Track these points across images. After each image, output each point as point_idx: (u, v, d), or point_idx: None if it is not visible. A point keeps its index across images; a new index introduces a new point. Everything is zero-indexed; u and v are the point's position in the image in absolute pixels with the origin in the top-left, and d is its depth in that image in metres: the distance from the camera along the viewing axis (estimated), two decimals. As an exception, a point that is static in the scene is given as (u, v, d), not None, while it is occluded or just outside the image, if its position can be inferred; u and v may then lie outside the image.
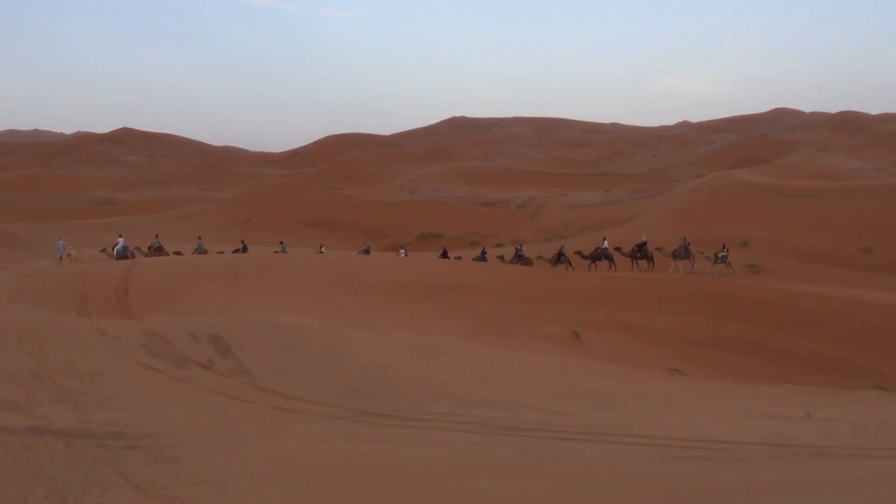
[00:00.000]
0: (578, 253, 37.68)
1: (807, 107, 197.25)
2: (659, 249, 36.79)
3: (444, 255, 43.53)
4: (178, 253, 40.95)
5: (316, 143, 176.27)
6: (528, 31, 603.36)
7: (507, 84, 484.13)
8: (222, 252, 42.36)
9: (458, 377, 15.75)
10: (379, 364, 16.69)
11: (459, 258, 42.63)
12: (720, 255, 35.97)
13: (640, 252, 36.11)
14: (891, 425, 13.11)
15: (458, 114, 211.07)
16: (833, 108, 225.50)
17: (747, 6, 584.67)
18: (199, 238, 44.61)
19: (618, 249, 36.87)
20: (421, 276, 31.48)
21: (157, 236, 43.66)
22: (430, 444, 9.68)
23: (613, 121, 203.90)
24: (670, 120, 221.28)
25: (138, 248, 40.97)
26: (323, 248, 48.36)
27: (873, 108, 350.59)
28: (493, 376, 16.18)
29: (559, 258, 37.41)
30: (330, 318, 22.92)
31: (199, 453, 8.64)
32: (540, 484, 7.59)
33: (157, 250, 40.03)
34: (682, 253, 36.01)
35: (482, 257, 41.12)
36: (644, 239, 37.01)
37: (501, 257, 41.54)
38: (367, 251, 46.46)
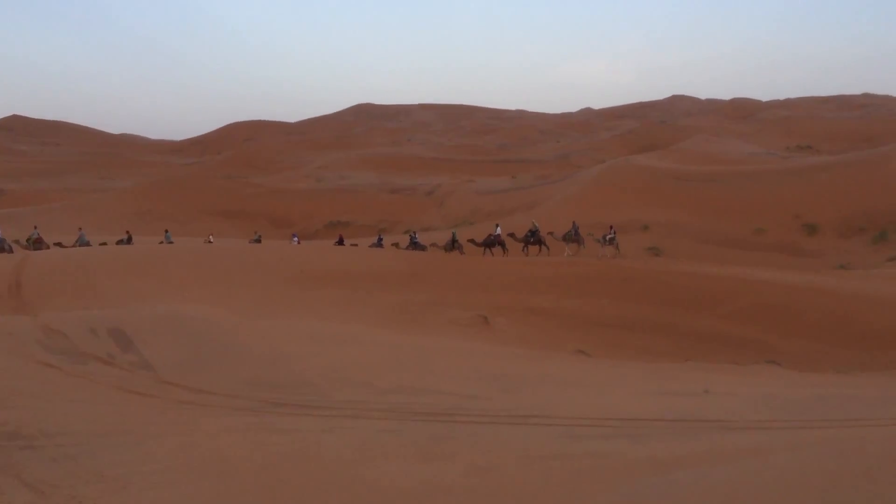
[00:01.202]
0: (471, 241, 38.24)
1: (702, 94, 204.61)
2: (551, 234, 37.76)
3: (340, 242, 43.49)
4: (58, 244, 39.39)
5: (219, 130, 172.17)
6: (434, 19, 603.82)
7: (413, 71, 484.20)
8: (104, 243, 40.95)
9: (368, 364, 15.69)
10: (286, 353, 16.46)
11: (356, 245, 42.65)
12: (608, 237, 37.53)
13: (533, 238, 36.98)
14: (782, 398, 13.74)
15: (364, 101, 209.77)
16: (726, 94, 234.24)
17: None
18: (80, 229, 42.97)
19: (511, 235, 37.61)
20: (328, 264, 31.23)
21: (35, 227, 41.74)
22: (340, 433, 9.63)
23: (519, 108, 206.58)
24: (573, 107, 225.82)
25: (17, 241, 39.10)
26: (211, 238, 47.31)
27: (763, 94, 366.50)
28: (402, 362, 16.18)
29: (452, 245, 37.89)
30: (235, 309, 22.46)
31: (99, 451, 8.35)
32: (448, 468, 7.65)
33: (37, 242, 38.29)
34: (573, 236, 37.33)
35: (378, 244, 41.32)
36: (535, 225, 37.90)
37: (396, 244, 41.84)
38: (258, 240, 45.77)
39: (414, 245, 39.47)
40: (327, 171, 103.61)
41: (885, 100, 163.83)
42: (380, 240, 42.43)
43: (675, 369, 18.96)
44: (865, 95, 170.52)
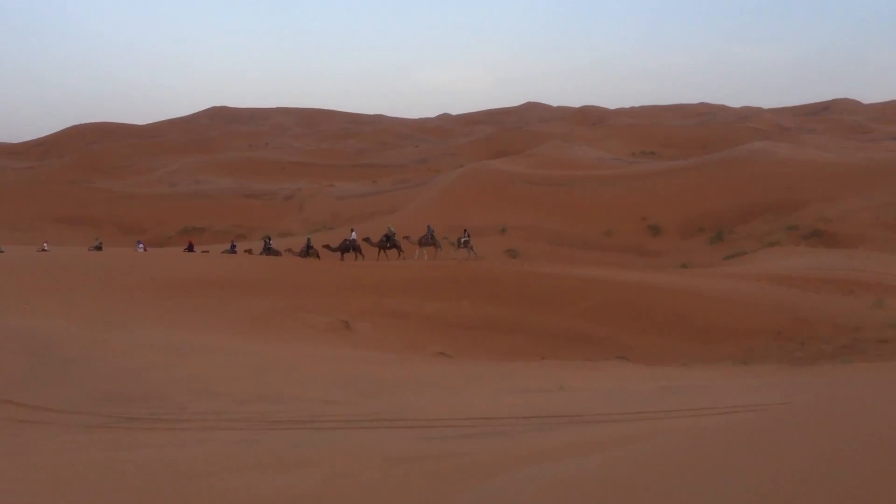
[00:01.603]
0: (326, 246, 37.86)
1: (554, 101, 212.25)
2: (407, 238, 38.00)
3: (190, 248, 42.13)
4: None
5: (62, 132, 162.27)
6: (291, 21, 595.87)
7: (270, 74, 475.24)
8: None
9: (226, 374, 15.24)
10: (139, 365, 15.73)
11: (206, 252, 41.41)
12: (462, 240, 38.33)
13: (389, 242, 37.08)
14: (630, 391, 14.40)
15: (219, 103, 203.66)
16: (577, 102, 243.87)
17: (501, 6, 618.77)
18: None
19: (366, 240, 37.52)
20: (179, 272, 30.12)
21: None
22: (194, 446, 9.29)
23: (378, 112, 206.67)
24: (432, 112, 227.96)
25: None
26: (46, 246, 44.55)
27: (610, 103, 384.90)
28: (262, 371, 15.83)
29: (308, 251, 37.55)
30: (84, 320, 21.27)
31: (-78, 479, 7.68)
32: (305, 475, 7.54)
33: None
34: (428, 240, 37.73)
35: (231, 250, 40.22)
36: (391, 230, 38.02)
37: (250, 250, 40.86)
38: (98, 247, 43.49)
39: (268, 251, 38.67)
40: (181, 176, 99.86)
41: (720, 108, 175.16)
42: (233, 246, 41.30)
43: (531, 367, 19.51)
44: (702, 104, 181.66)
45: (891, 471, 3.35)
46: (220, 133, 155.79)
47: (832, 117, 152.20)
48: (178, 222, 76.16)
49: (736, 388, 14.45)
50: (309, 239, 39.80)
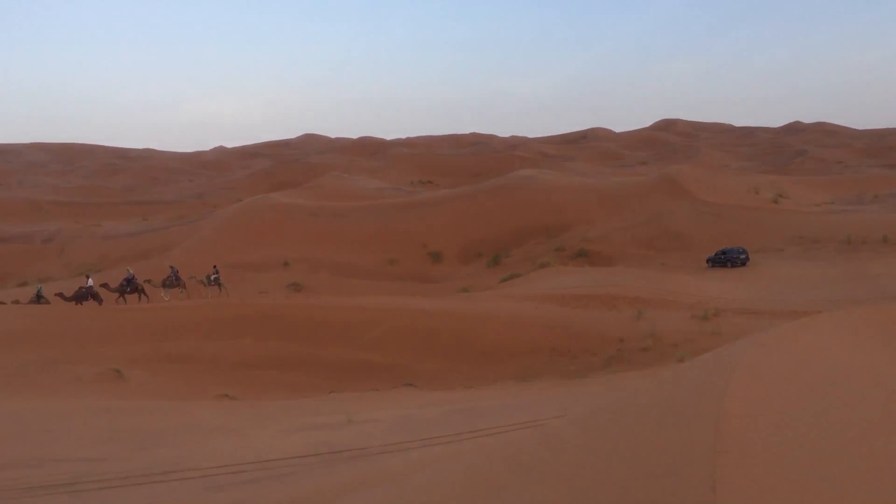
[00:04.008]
0: (59, 294, 35.15)
1: (332, 133, 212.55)
2: (148, 281, 36.37)
3: None
4: None
5: None
6: (42, 49, 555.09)
7: (19, 107, 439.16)
8: None
9: (-27, 440, 13.64)
10: None
11: None
12: (212, 277, 37.37)
13: (130, 286, 35.17)
14: (417, 418, 14.57)
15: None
16: (354, 133, 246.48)
17: (272, 38, 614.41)
18: None
19: (104, 286, 35.30)
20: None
21: None
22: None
23: (146, 146, 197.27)
24: (205, 145, 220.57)
25: None
26: None
27: (387, 133, 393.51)
28: (19, 433, 14.34)
29: (38, 300, 34.87)
30: None
31: None
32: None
33: None
34: (172, 281, 36.44)
35: None
36: (131, 273, 36.18)
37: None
38: None
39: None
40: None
41: (490, 138, 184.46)
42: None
43: (319, 402, 19.22)
44: (474, 134, 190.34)
45: (647, 471, 3.59)
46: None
47: (589, 145, 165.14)
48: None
49: (516, 406, 15.06)
50: (39, 287, 36.97)
